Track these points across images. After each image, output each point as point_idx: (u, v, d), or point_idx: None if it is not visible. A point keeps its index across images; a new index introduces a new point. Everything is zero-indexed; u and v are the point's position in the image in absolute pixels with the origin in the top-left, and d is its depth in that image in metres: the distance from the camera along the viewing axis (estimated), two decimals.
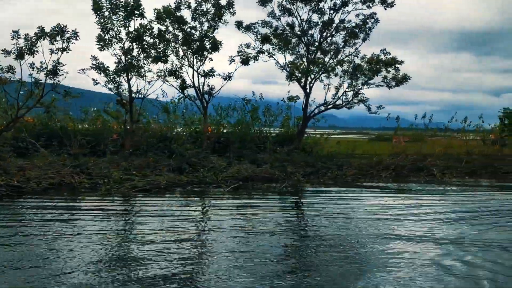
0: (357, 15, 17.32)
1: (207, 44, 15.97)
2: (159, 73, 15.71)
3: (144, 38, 14.99)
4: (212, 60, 16.34)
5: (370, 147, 20.39)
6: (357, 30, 17.28)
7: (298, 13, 17.33)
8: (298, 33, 17.55)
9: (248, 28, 17.09)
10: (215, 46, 15.85)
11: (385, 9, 16.86)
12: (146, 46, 15.10)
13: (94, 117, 17.39)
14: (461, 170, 15.61)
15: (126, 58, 14.83)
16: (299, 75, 17.83)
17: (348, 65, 17.77)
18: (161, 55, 15.40)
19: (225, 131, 17.86)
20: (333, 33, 17.48)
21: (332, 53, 17.81)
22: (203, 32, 15.95)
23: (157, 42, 15.40)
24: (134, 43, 14.89)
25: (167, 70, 15.87)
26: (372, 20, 17.19)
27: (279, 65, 17.92)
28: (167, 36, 15.65)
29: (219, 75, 16.35)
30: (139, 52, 15.07)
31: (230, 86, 17.21)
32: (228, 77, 16.45)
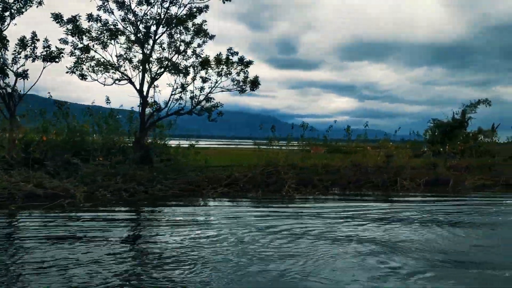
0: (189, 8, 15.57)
1: None
2: None
3: None
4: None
5: (247, 158, 16.73)
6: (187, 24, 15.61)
7: (130, 6, 15.27)
8: (132, 27, 15.51)
9: (70, 21, 14.61)
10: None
11: (224, 2, 15.26)
12: None
13: None
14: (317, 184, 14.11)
15: None
16: (133, 74, 15.62)
17: (194, 61, 16.12)
18: None
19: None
20: (169, 27, 15.70)
21: (171, 50, 15.90)
22: None
23: None
24: None
25: None
26: (201, 12, 15.50)
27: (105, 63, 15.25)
28: None
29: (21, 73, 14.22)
30: None
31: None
32: (24, 75, 14.30)
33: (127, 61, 15.51)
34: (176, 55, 15.95)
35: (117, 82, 15.31)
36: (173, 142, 17.54)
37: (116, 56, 15.36)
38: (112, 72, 15.26)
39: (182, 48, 15.82)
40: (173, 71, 15.45)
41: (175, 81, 16.05)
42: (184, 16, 15.41)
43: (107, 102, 16.23)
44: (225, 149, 29.91)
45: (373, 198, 13.37)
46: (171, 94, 15.94)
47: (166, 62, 15.57)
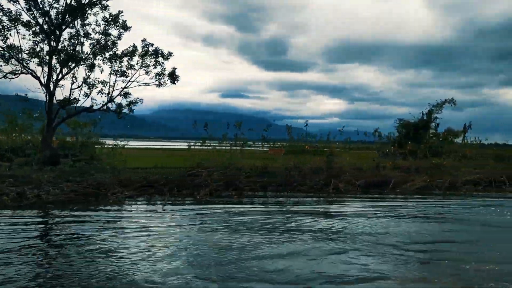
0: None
1: None
2: None
3: None
4: None
5: (178, 159, 15.79)
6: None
7: None
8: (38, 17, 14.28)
9: None
10: None
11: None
12: None
13: None
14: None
15: None
16: (36, 67, 14.37)
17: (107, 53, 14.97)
18: None
19: None
20: (74, 17, 14.55)
21: (82, 41, 14.87)
22: None
23: None
24: None
25: None
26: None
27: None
28: None
29: None
30: None
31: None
32: None
33: (31, 53, 14.25)
34: (85, 46, 14.74)
35: (16, 74, 14.00)
36: (138, 143, 16.23)
37: (18, 47, 14.09)
38: (14, 64, 13.98)
39: (92, 40, 14.74)
40: (72, 62, 14.18)
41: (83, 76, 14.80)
42: (86, 5, 14.27)
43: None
44: (159, 150, 27.88)
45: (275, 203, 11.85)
46: (71, 89, 14.76)
47: (72, 53, 14.30)
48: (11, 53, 13.95)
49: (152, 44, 14.73)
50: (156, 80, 14.91)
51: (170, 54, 14.68)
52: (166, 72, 14.91)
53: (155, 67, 14.86)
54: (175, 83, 14.78)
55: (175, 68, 14.89)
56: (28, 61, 14.26)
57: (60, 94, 14.67)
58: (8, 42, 13.89)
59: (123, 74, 14.83)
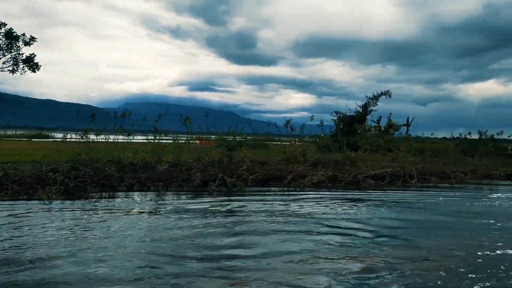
0: None
1: None
2: None
3: None
4: None
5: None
6: None
7: None
8: None
9: None
10: None
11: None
12: None
13: None
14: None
15: None
16: None
17: None
18: None
19: None
20: None
21: None
22: None
23: None
24: None
25: None
26: None
27: None
28: None
29: None
30: None
31: None
32: None
33: None
34: None
35: None
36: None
37: None
38: None
39: None
40: None
41: None
42: None
43: None
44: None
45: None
46: None
47: None
48: None
49: (4, 24, 12.94)
50: (10, 66, 13.12)
51: (33, 39, 12.99)
52: (23, 58, 13.11)
53: (10, 51, 13.05)
54: (35, 71, 13.08)
55: (34, 55, 13.19)
56: None
57: None
58: None
59: None
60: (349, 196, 11.30)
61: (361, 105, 29.22)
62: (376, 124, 34.94)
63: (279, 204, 9.64)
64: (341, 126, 29.55)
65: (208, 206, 9.28)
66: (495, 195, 12.33)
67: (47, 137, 45.85)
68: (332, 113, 29.41)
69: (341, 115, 29.42)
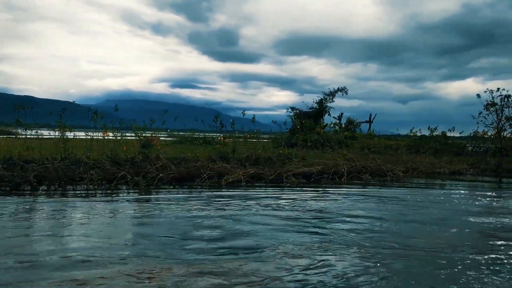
0: None
1: None
2: None
3: None
4: None
5: None
6: None
7: None
8: None
9: None
10: None
11: None
12: None
13: None
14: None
15: None
16: None
17: None
18: None
19: None
20: None
21: None
22: None
23: None
24: None
25: None
26: None
27: None
28: None
29: None
30: None
31: None
32: None
33: None
34: None
35: None
36: None
37: None
38: None
39: None
40: None
41: None
42: None
43: None
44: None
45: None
46: None
47: None
48: None
49: None
50: None
51: None
52: None
53: None
54: None
55: None
56: None
57: None
58: None
59: None
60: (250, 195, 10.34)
61: (317, 101, 28.44)
62: (337, 121, 34.32)
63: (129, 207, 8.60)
64: (297, 122, 28.76)
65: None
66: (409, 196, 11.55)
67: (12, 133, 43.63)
68: (288, 109, 28.59)
69: (297, 111, 28.62)
